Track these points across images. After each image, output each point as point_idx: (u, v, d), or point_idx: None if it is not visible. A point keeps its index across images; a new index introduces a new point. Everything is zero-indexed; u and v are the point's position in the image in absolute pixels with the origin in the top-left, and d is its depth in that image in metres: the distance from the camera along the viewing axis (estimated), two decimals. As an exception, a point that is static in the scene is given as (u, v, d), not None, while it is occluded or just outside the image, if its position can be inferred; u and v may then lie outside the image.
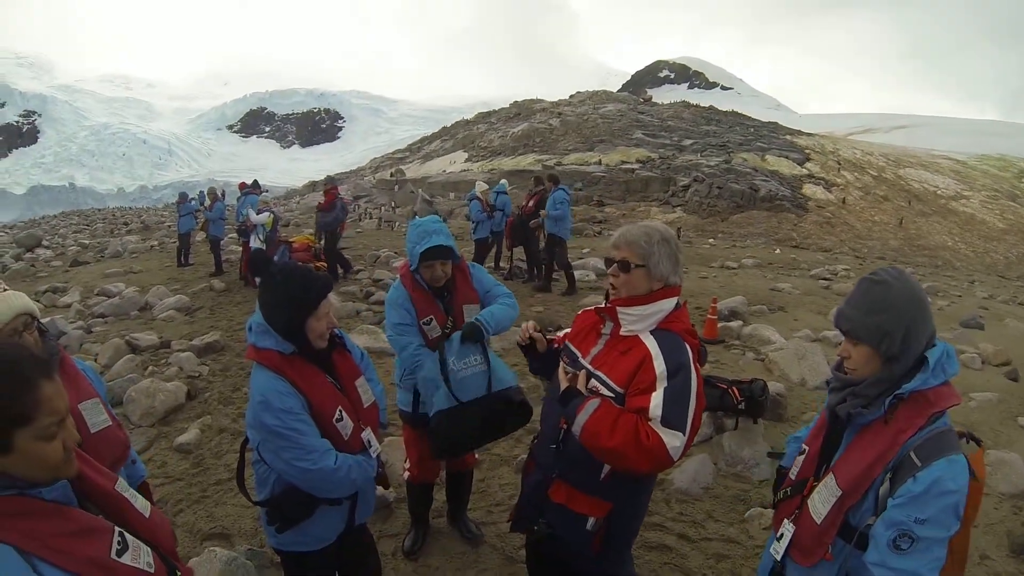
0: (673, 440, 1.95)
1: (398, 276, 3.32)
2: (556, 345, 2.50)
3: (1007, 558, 3.92)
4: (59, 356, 2.12)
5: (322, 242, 12.54)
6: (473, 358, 3.04)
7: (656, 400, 1.99)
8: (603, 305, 2.26)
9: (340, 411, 2.29)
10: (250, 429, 2.24)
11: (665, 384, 2.02)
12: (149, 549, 1.44)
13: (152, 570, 1.41)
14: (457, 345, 3.01)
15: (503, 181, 13.88)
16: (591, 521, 2.19)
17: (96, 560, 1.31)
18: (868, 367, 1.74)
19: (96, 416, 2.11)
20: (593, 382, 2.17)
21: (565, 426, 2.17)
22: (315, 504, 2.28)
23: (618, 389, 2.10)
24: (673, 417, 1.97)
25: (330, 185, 13.35)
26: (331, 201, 12.28)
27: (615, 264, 2.15)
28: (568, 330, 2.54)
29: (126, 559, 1.36)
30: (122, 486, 1.52)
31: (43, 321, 2.23)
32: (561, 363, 2.29)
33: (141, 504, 1.54)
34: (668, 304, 2.17)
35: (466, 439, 3.09)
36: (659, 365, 2.04)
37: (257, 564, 3.41)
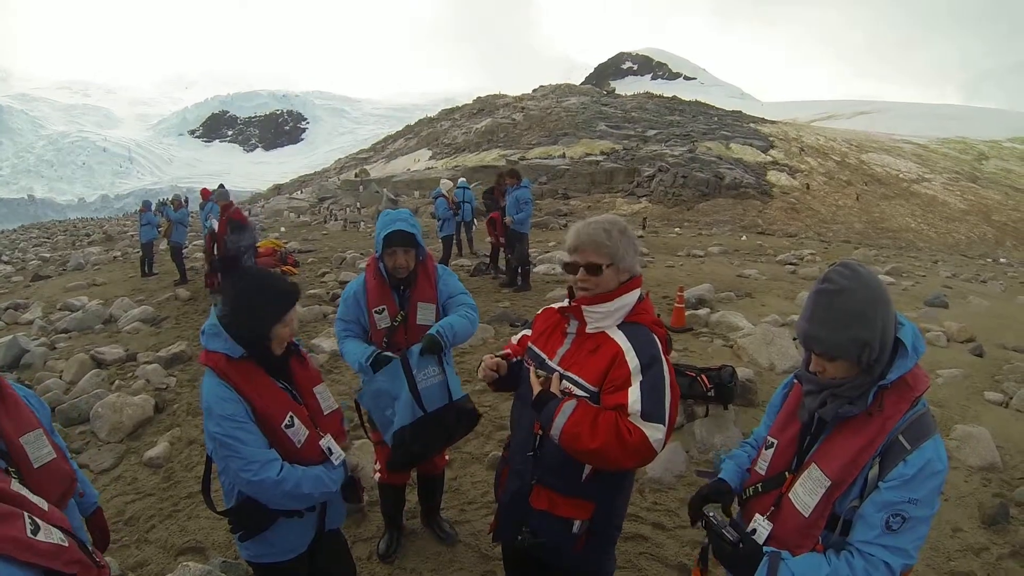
0: (655, 433, 1.95)
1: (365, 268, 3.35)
2: (514, 358, 2.44)
3: (979, 529, 4.03)
4: None
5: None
6: (432, 369, 3.10)
7: (634, 395, 1.98)
8: (567, 304, 2.22)
9: (291, 417, 2.24)
10: (206, 439, 2.20)
11: (640, 378, 2.01)
12: (58, 530, 1.50)
13: (67, 544, 1.48)
14: (416, 357, 3.04)
15: (462, 179, 14.23)
16: (577, 524, 2.18)
17: (16, 539, 1.37)
18: (848, 374, 1.70)
19: (39, 450, 1.94)
20: (565, 383, 2.13)
21: (540, 431, 2.14)
22: (274, 515, 2.24)
23: (592, 388, 2.08)
24: (653, 410, 1.97)
25: (226, 201, 10.78)
26: (239, 218, 10.26)
27: (582, 268, 2.10)
28: (527, 332, 2.51)
29: (41, 537, 1.42)
30: (16, 485, 1.57)
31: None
32: (531, 368, 2.21)
33: (37, 499, 1.58)
34: (632, 297, 2.15)
35: (426, 450, 3.14)
36: (632, 360, 2.03)
37: (232, 576, 3.38)
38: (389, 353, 3.10)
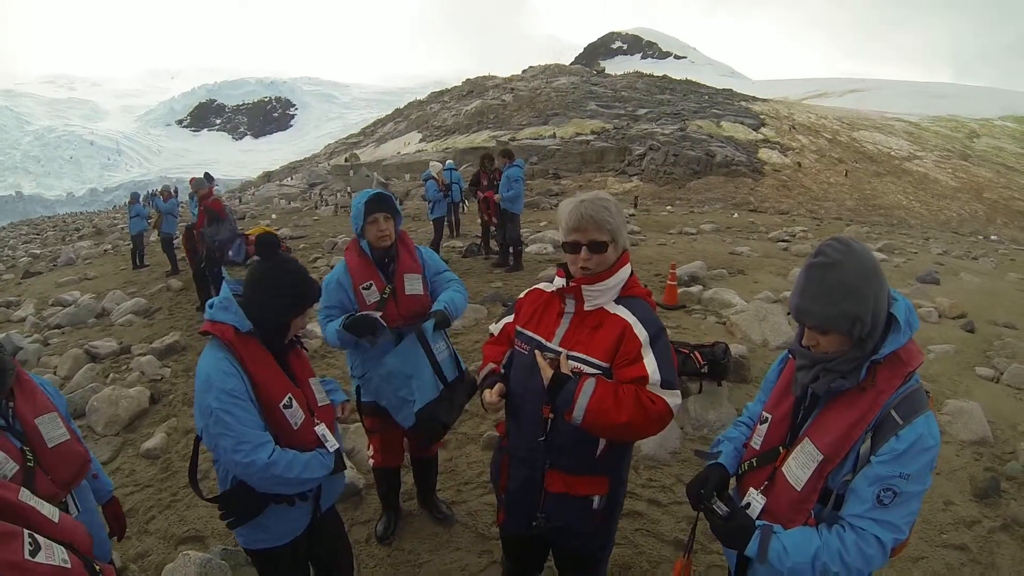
0: (674, 399, 2.02)
1: (344, 254, 3.34)
2: (500, 370, 2.37)
3: (970, 503, 4.08)
4: (15, 371, 2.09)
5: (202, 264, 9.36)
6: (441, 344, 3.15)
7: (651, 366, 2.02)
8: (565, 284, 2.19)
9: (290, 397, 2.25)
10: (196, 415, 2.19)
11: (652, 349, 2.05)
12: (62, 548, 1.43)
13: (68, 566, 1.40)
14: (431, 332, 3.08)
15: (449, 161, 14.47)
16: (597, 499, 2.20)
17: (12, 563, 1.31)
18: (840, 347, 1.70)
19: (53, 430, 2.10)
20: (572, 363, 2.11)
21: (551, 415, 2.12)
22: (265, 501, 2.24)
23: (603, 364, 2.08)
24: (669, 377, 2.03)
25: (204, 189, 9.89)
26: (217, 209, 9.27)
27: (584, 248, 2.07)
28: (508, 319, 2.48)
29: (40, 558, 1.35)
30: (26, 495, 1.50)
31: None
32: (537, 353, 2.16)
33: (48, 511, 1.52)
34: (627, 271, 2.17)
35: (449, 422, 3.18)
36: (641, 332, 2.06)
37: (232, 564, 3.39)
38: (365, 313, 3.06)
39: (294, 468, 2.17)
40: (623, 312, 2.10)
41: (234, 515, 2.25)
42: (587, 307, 2.15)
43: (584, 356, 2.10)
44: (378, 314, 3.04)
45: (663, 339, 2.10)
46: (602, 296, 2.13)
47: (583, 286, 2.12)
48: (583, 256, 2.08)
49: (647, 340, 2.05)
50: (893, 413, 1.62)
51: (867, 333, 1.64)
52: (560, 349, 2.15)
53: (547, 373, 2.08)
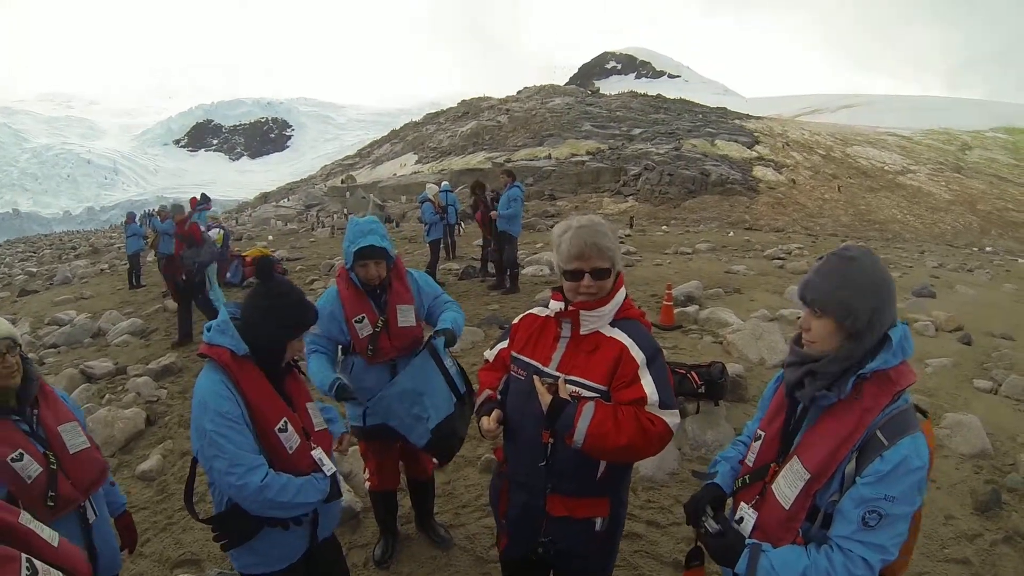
0: (673, 418, 2.06)
1: (335, 278, 3.34)
2: (496, 397, 2.37)
3: (971, 516, 4.08)
4: (39, 381, 2.24)
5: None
6: (448, 360, 3.15)
7: (650, 387, 2.04)
8: (563, 308, 2.18)
9: (285, 422, 2.25)
10: (192, 436, 2.21)
11: (650, 370, 2.07)
12: (60, 573, 1.42)
13: None
14: (443, 349, 3.11)
15: (444, 183, 14.41)
16: (599, 522, 2.21)
17: None
18: (828, 342, 1.72)
19: (75, 438, 2.24)
20: (570, 387, 2.11)
21: (551, 440, 2.12)
22: (260, 525, 2.23)
23: (601, 387, 2.09)
24: (667, 398, 2.06)
25: (181, 216, 9.62)
26: (193, 234, 9.09)
27: (587, 275, 2.08)
28: (503, 345, 2.47)
29: None
30: (26, 519, 1.51)
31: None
32: (535, 379, 2.16)
33: (48, 535, 1.52)
34: (623, 294, 2.19)
35: (465, 433, 3.20)
36: (638, 354, 2.08)
37: (227, 587, 3.38)
38: (347, 384, 3.08)
39: (287, 492, 2.16)
40: (619, 335, 2.12)
41: (227, 537, 2.25)
42: (583, 331, 2.16)
43: (582, 380, 2.11)
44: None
45: (659, 360, 2.12)
46: (599, 320, 2.14)
47: (581, 311, 2.13)
48: (585, 283, 2.09)
49: (644, 361, 2.07)
50: (879, 434, 1.62)
51: (858, 331, 1.66)
52: (558, 374, 2.15)
53: (546, 399, 2.08)
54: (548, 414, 2.07)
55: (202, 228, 10.42)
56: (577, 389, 2.10)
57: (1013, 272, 17.11)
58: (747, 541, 1.78)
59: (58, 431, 2.20)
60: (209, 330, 2.25)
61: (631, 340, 2.10)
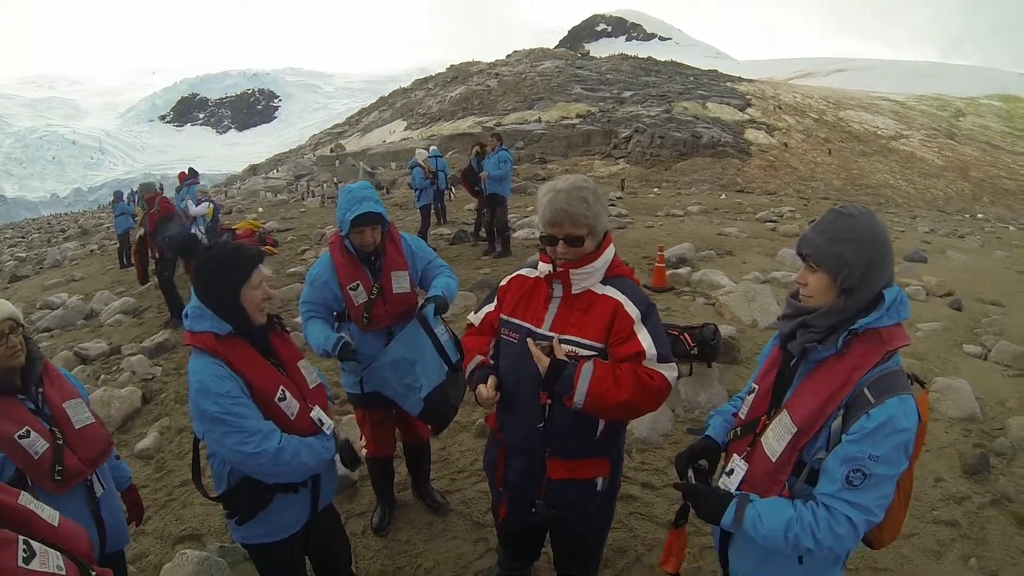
0: (671, 372, 2.08)
1: (327, 246, 3.31)
2: (490, 361, 2.36)
3: (960, 479, 4.14)
4: (43, 360, 2.29)
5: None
6: (441, 327, 3.17)
7: (647, 341, 2.05)
8: (552, 271, 2.17)
9: (283, 390, 2.26)
10: (194, 420, 2.21)
11: (645, 325, 2.08)
12: (58, 553, 1.43)
13: (63, 572, 1.40)
14: (432, 318, 3.10)
15: (433, 147, 14.22)
16: (600, 481, 2.23)
17: (4, 570, 1.31)
18: (824, 296, 1.73)
19: (80, 413, 2.30)
20: (566, 347, 2.11)
21: (549, 401, 2.12)
22: (271, 493, 2.27)
23: (598, 345, 2.09)
24: (664, 351, 2.08)
25: (151, 193, 9.20)
26: (165, 211, 8.76)
27: (560, 241, 2.08)
28: (489, 308, 2.44)
29: (35, 565, 1.35)
30: (26, 499, 1.52)
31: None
32: (529, 341, 2.14)
33: (48, 514, 1.53)
34: (611, 252, 2.18)
35: (457, 404, 3.21)
36: (632, 310, 2.09)
37: (230, 561, 3.39)
38: (350, 342, 3.10)
39: (302, 453, 2.21)
40: (612, 292, 2.12)
41: (241, 511, 2.28)
42: (575, 290, 2.15)
43: (577, 339, 2.11)
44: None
45: (654, 315, 2.13)
46: (590, 278, 2.13)
47: (571, 270, 2.12)
48: (560, 250, 2.10)
49: (639, 317, 2.08)
50: (866, 391, 1.62)
51: (851, 285, 1.67)
52: (552, 334, 2.14)
53: (543, 361, 2.07)
54: (546, 376, 2.06)
55: (179, 204, 10.43)
56: (573, 348, 2.10)
57: (1004, 239, 17.22)
58: (735, 492, 1.80)
59: (63, 408, 2.25)
60: (187, 317, 2.24)
61: (625, 296, 2.11)
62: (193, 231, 11.07)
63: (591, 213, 2.06)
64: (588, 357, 2.07)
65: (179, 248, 8.57)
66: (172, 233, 8.51)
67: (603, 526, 2.42)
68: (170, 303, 8.77)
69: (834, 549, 1.62)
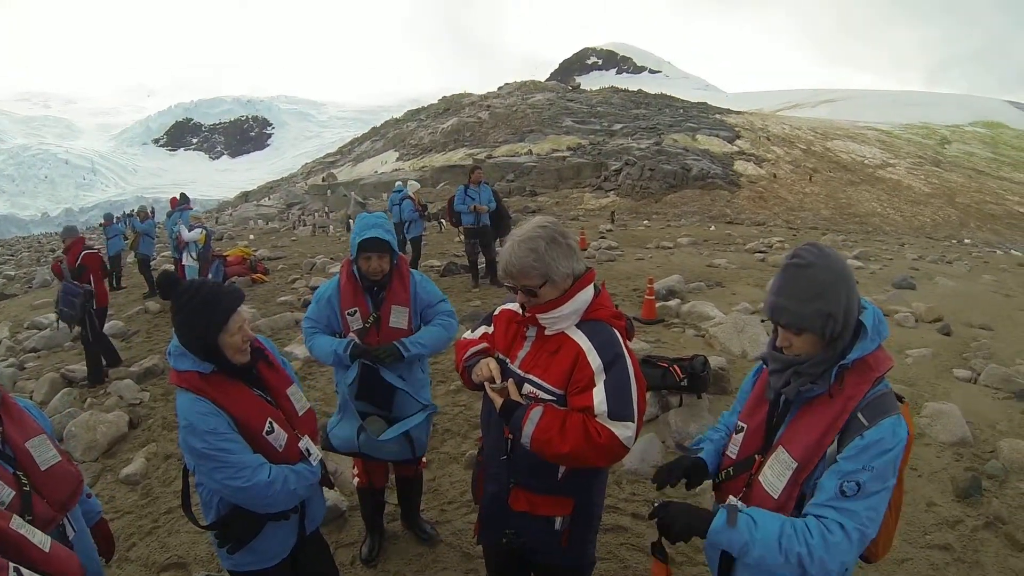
0: (624, 431, 1.96)
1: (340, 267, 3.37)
2: (494, 352, 2.34)
3: (953, 503, 4.15)
4: (1, 396, 2.10)
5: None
6: (392, 376, 3.16)
7: (599, 396, 1.97)
8: (521, 313, 2.18)
9: (271, 423, 2.27)
10: (184, 454, 2.21)
11: (604, 377, 2.00)
12: None
13: None
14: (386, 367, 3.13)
15: (398, 183, 13.79)
16: (558, 520, 2.19)
17: None
18: (812, 350, 1.74)
19: (44, 453, 2.10)
20: (528, 387, 2.11)
21: (511, 436, 2.12)
22: (262, 521, 2.27)
23: (557, 391, 2.07)
24: (619, 408, 1.97)
25: (73, 237, 7.96)
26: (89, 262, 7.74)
27: (518, 292, 2.09)
28: (485, 329, 2.44)
29: None
30: (17, 523, 1.50)
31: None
32: (486, 384, 2.15)
33: (39, 539, 1.52)
34: (587, 294, 2.11)
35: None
36: (593, 360, 2.02)
37: (215, 589, 3.37)
38: (359, 343, 3.13)
39: (290, 481, 2.23)
40: (579, 337, 2.07)
41: (234, 539, 2.27)
42: (548, 332, 2.13)
43: (539, 381, 2.10)
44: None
45: (618, 367, 2.03)
46: (562, 321, 2.10)
47: (537, 315, 2.11)
48: (519, 298, 2.11)
49: (600, 368, 2.01)
50: (859, 416, 1.65)
51: (838, 333, 1.68)
52: (518, 371, 2.17)
53: (497, 402, 2.09)
54: (500, 414, 2.09)
55: (171, 229, 10.08)
56: (534, 390, 2.10)
57: (991, 264, 17.39)
58: (724, 505, 1.77)
59: (26, 448, 2.05)
60: (170, 355, 2.24)
61: (590, 344, 2.05)
62: (184, 258, 11.08)
63: (540, 264, 2.01)
64: (546, 402, 2.06)
65: (159, 286, 8.32)
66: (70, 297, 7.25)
67: (579, 563, 2.35)
68: (96, 365, 7.41)
69: (826, 561, 1.58)
